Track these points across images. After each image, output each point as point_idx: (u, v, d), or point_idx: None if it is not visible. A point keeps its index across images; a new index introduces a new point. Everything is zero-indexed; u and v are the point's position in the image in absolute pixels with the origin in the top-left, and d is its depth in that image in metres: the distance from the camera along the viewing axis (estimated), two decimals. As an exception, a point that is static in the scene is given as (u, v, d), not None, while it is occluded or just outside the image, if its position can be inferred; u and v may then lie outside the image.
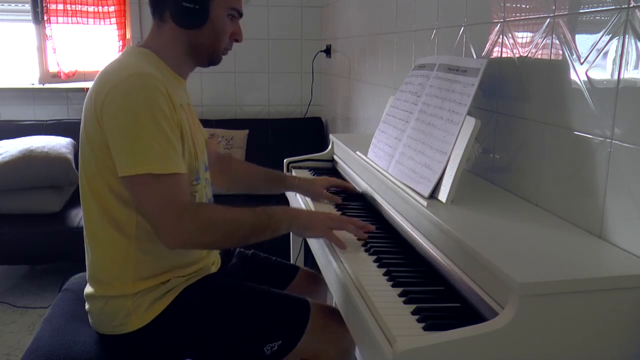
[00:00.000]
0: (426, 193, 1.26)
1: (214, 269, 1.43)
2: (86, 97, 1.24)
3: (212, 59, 1.35)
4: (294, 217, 1.30)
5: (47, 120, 3.31)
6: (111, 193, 1.21)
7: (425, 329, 0.93)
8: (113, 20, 3.41)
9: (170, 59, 1.30)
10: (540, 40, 1.24)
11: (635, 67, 0.96)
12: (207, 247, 1.28)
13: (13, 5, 3.42)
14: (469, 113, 1.25)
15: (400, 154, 1.44)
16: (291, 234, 2.20)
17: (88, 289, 1.31)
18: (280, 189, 1.74)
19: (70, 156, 2.93)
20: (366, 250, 1.27)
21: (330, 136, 2.14)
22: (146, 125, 1.12)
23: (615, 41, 1.01)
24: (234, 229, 1.21)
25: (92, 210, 1.24)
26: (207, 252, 1.39)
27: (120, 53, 1.30)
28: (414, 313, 0.98)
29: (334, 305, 1.32)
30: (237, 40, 1.37)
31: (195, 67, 1.38)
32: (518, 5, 1.32)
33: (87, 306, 1.31)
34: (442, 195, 1.24)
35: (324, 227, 1.29)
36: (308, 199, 1.68)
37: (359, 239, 1.31)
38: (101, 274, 1.26)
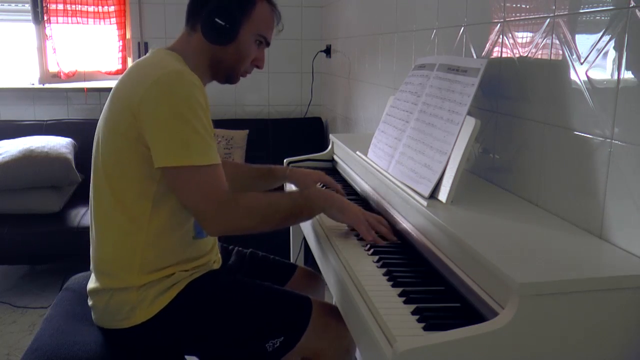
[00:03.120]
0: (426, 193, 1.26)
1: (215, 265, 1.44)
2: (113, 93, 1.27)
3: (229, 78, 1.41)
4: (330, 198, 1.35)
5: (47, 120, 3.30)
6: (130, 185, 1.24)
7: (425, 329, 0.93)
8: (113, 20, 3.41)
9: (194, 67, 1.32)
10: (540, 40, 1.24)
11: (635, 67, 0.96)
12: (247, 231, 1.32)
13: (13, 5, 3.42)
14: (469, 113, 1.25)
15: (400, 154, 1.44)
16: (291, 232, 2.20)
17: (92, 284, 1.32)
18: (272, 183, 1.74)
19: (70, 156, 2.93)
20: (366, 250, 1.27)
21: (330, 136, 2.14)
22: (189, 119, 1.17)
23: (615, 41, 1.01)
24: (271, 212, 1.27)
25: (105, 200, 1.26)
26: (210, 248, 1.40)
27: (147, 55, 1.34)
28: (414, 313, 0.98)
29: (333, 304, 1.32)
30: (257, 67, 1.43)
31: (211, 81, 1.41)
32: (518, 5, 1.32)
33: (90, 302, 1.32)
34: (442, 195, 1.24)
35: (359, 215, 1.33)
36: None
37: (368, 242, 1.31)
38: (107, 266, 1.28)
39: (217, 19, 1.28)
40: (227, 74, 1.40)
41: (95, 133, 1.30)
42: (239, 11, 1.31)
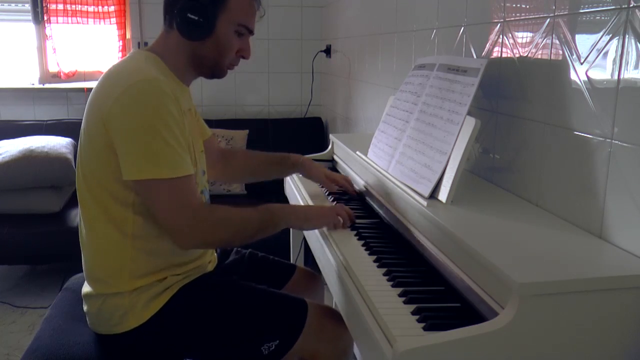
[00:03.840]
0: (426, 193, 1.26)
1: (210, 267, 1.43)
2: (89, 98, 1.24)
3: (214, 72, 1.36)
4: (292, 211, 1.37)
5: (47, 120, 3.30)
6: (108, 193, 1.22)
7: (425, 329, 0.93)
8: (113, 20, 3.41)
9: (174, 66, 1.30)
10: (540, 40, 1.24)
11: (635, 67, 0.96)
12: (219, 245, 1.33)
13: (13, 5, 3.42)
14: (469, 113, 1.25)
15: (401, 154, 1.44)
16: (291, 233, 2.20)
17: (86, 289, 1.31)
18: (285, 170, 1.74)
19: (70, 156, 2.93)
20: (366, 250, 1.27)
21: (330, 136, 2.14)
22: (158, 130, 1.14)
23: (615, 41, 1.01)
24: (243, 227, 1.25)
25: (89, 208, 1.25)
26: (204, 250, 1.39)
27: (127, 56, 1.31)
28: (414, 313, 0.98)
29: (333, 304, 1.32)
30: (243, 57, 1.37)
31: (198, 77, 1.38)
32: (518, 5, 1.32)
33: (85, 307, 1.31)
34: (442, 195, 1.24)
35: (326, 215, 1.36)
36: (306, 195, 1.68)
37: (359, 238, 1.32)
38: (98, 271, 1.27)
39: (189, 14, 1.24)
40: (212, 69, 1.34)
41: (79, 138, 1.28)
42: (211, 3, 1.25)
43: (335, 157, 2.09)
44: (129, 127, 1.14)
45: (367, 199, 1.62)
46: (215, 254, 1.50)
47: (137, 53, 1.31)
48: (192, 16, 1.24)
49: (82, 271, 1.33)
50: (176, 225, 1.17)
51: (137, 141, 1.14)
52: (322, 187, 1.74)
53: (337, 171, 2.04)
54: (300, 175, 1.78)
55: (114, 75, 1.23)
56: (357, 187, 1.71)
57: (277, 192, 2.39)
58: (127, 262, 1.24)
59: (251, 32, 1.34)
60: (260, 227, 1.27)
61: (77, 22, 3.35)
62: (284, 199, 2.06)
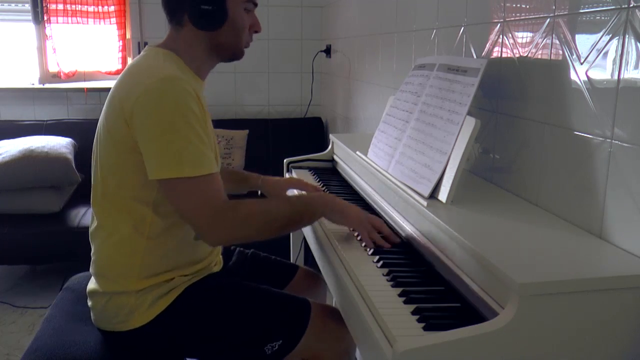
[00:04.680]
0: (426, 193, 1.26)
1: (216, 268, 1.43)
2: (109, 96, 1.24)
3: (235, 55, 1.36)
4: (331, 201, 1.34)
5: (47, 120, 3.30)
6: (129, 191, 1.22)
7: (425, 329, 0.93)
8: (113, 20, 3.41)
9: (191, 61, 1.30)
10: (540, 40, 1.24)
11: (635, 67, 0.96)
12: (247, 240, 1.30)
13: (13, 5, 3.42)
14: (469, 113, 1.25)
15: (400, 154, 1.44)
16: (291, 234, 2.20)
17: (91, 285, 1.31)
18: (243, 188, 1.74)
19: (70, 156, 2.93)
20: (366, 250, 1.27)
21: (330, 136, 2.14)
22: (181, 129, 1.14)
23: (615, 41, 1.01)
24: (270, 220, 1.24)
25: (106, 204, 1.25)
26: (210, 251, 1.39)
27: (142, 54, 1.30)
28: (414, 313, 0.98)
29: (333, 304, 1.32)
30: (256, 31, 1.37)
31: (214, 66, 1.38)
32: (518, 5, 1.32)
33: (89, 303, 1.32)
34: (442, 195, 1.24)
35: (362, 219, 1.32)
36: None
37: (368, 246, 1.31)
38: (107, 270, 1.27)
39: (202, 6, 1.23)
40: (233, 53, 1.35)
41: (95, 134, 1.29)
42: None
43: (335, 157, 2.09)
44: (151, 126, 1.14)
45: (368, 199, 1.62)
46: (220, 256, 1.50)
47: (152, 51, 1.29)
48: (206, 7, 1.24)
49: (82, 271, 1.33)
50: (202, 223, 1.17)
51: (160, 140, 1.14)
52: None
53: (337, 171, 2.04)
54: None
55: (134, 74, 1.23)
56: (357, 188, 1.71)
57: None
58: (137, 261, 1.24)
59: (256, 5, 1.35)
60: (292, 219, 1.27)
61: (77, 22, 3.34)
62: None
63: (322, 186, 1.74)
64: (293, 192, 1.71)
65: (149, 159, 1.16)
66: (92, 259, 1.31)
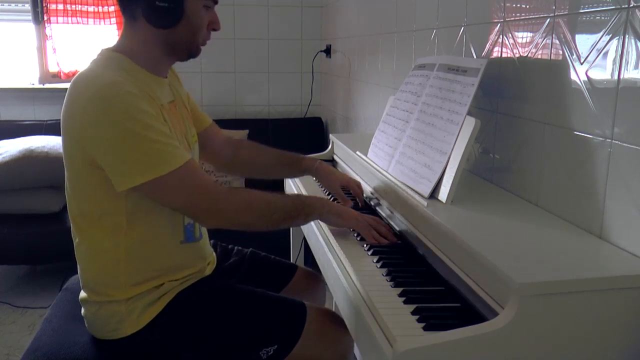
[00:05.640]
0: (426, 193, 1.26)
1: (209, 269, 1.40)
2: (61, 114, 1.19)
3: (191, 53, 1.29)
4: (327, 203, 1.34)
5: (47, 120, 3.30)
6: (99, 207, 1.19)
7: (425, 329, 0.93)
8: (113, 20, 3.41)
9: (145, 61, 1.24)
10: (540, 40, 1.24)
11: (635, 67, 0.96)
12: (245, 227, 1.26)
13: (13, 5, 3.42)
14: (469, 113, 1.25)
15: (401, 154, 1.44)
16: (291, 232, 2.20)
17: (82, 294, 1.30)
18: (296, 173, 1.69)
19: (70, 156, 2.93)
20: (366, 250, 1.27)
21: (330, 136, 2.14)
22: (138, 132, 1.10)
23: (615, 41, 1.01)
24: (270, 210, 1.23)
25: (79, 219, 1.23)
26: (201, 254, 1.36)
27: (92, 60, 1.23)
28: (414, 313, 0.98)
29: (333, 304, 1.32)
30: (214, 29, 1.31)
31: (174, 63, 1.33)
32: (518, 5, 1.32)
33: (82, 311, 1.30)
34: (442, 195, 1.24)
35: (358, 218, 1.32)
36: (301, 186, 1.66)
37: (370, 243, 1.31)
38: (93, 282, 1.26)
39: (157, 2, 1.17)
40: (188, 51, 1.27)
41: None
42: None
43: (335, 157, 2.09)
44: (106, 138, 1.10)
45: (372, 204, 1.62)
46: (214, 255, 1.49)
47: (100, 55, 1.24)
48: (161, 3, 1.17)
49: (81, 271, 1.33)
50: (198, 209, 1.17)
51: (120, 149, 1.10)
52: (328, 193, 1.67)
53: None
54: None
55: (74, 87, 1.16)
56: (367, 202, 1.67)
57: (277, 189, 2.38)
58: (122, 272, 1.22)
59: (216, 2, 1.29)
60: (290, 214, 1.26)
61: (77, 22, 3.34)
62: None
63: (322, 186, 1.73)
64: (298, 190, 1.70)
65: (114, 170, 1.12)
66: (78, 271, 1.29)
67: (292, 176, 1.71)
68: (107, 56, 1.23)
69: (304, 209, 1.29)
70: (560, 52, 1.16)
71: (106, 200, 1.18)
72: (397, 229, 1.35)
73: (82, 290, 1.31)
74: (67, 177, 1.23)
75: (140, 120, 1.10)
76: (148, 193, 1.16)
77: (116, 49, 1.24)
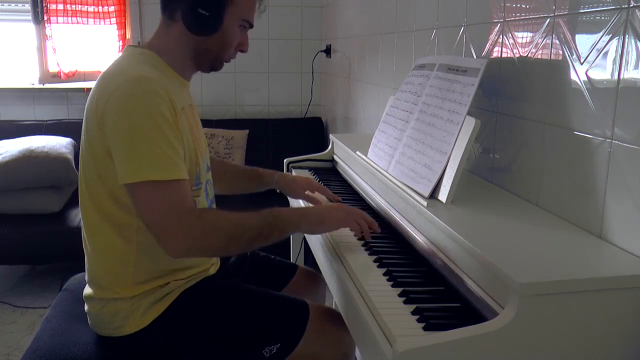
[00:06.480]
0: (426, 193, 1.26)
1: (212, 270, 1.41)
2: (87, 101, 1.22)
3: (214, 66, 1.34)
4: (303, 214, 1.27)
5: (47, 120, 3.30)
6: (111, 198, 1.19)
7: (425, 329, 0.93)
8: (113, 20, 3.41)
9: (173, 61, 1.28)
10: (540, 40, 1.24)
11: (635, 67, 0.96)
12: (212, 253, 1.24)
13: (13, 5, 3.42)
14: (469, 113, 1.25)
15: (400, 154, 1.44)
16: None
17: (87, 290, 1.30)
18: (259, 187, 1.69)
19: (70, 156, 2.93)
20: (366, 250, 1.27)
21: (330, 136, 2.14)
22: (147, 131, 1.10)
23: (615, 41, 1.01)
24: (239, 232, 1.17)
25: (92, 215, 1.24)
26: None
27: (121, 54, 1.28)
28: (414, 313, 0.98)
29: (333, 304, 1.32)
30: (242, 51, 1.36)
31: (197, 71, 1.36)
32: (518, 5, 1.32)
33: (86, 307, 1.31)
34: (442, 195, 1.24)
35: (342, 216, 1.29)
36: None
37: (359, 239, 1.31)
38: (100, 278, 1.26)
39: (200, 9, 1.21)
40: (213, 63, 1.33)
41: (80, 143, 1.26)
42: None
43: (335, 157, 2.09)
44: (119, 128, 1.11)
45: (367, 199, 1.62)
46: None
47: (131, 50, 1.28)
48: (203, 11, 1.21)
49: (82, 271, 1.33)
50: (163, 231, 1.10)
51: (127, 143, 1.11)
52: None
53: (337, 171, 2.04)
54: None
55: (106, 76, 1.20)
56: (357, 188, 1.70)
57: (275, 192, 2.38)
58: (130, 269, 1.22)
59: (251, 26, 1.34)
60: (261, 233, 1.18)
61: (77, 22, 3.34)
62: (284, 200, 2.06)
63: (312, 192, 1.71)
64: (298, 202, 1.71)
65: (118, 163, 1.12)
66: (85, 267, 1.30)
67: (255, 190, 1.67)
68: (136, 52, 1.26)
69: (278, 224, 1.21)
70: (560, 52, 1.16)
71: (119, 194, 1.18)
72: (398, 227, 1.35)
73: (87, 286, 1.31)
74: (82, 165, 1.23)
75: (154, 120, 1.11)
76: (131, 196, 1.13)
77: (147, 47, 1.28)
